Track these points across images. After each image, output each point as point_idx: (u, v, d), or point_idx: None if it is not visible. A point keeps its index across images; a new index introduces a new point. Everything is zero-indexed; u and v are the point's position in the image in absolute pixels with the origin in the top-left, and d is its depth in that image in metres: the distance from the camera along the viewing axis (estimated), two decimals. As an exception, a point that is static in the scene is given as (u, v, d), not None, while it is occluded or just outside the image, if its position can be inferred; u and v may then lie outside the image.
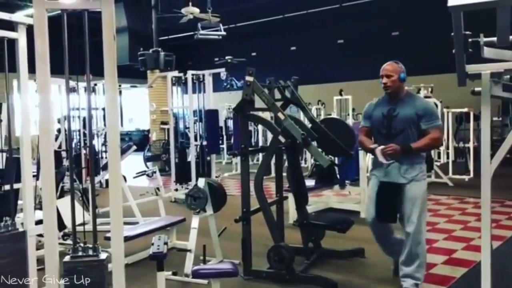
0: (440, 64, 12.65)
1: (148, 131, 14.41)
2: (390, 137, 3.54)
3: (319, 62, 15.83)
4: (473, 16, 2.01)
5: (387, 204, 3.55)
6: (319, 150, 4.14)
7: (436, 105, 9.91)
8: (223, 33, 11.79)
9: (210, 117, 7.84)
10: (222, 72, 9.31)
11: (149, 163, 11.94)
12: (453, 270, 4.21)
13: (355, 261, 4.48)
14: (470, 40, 2.00)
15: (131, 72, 12.99)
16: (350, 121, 10.45)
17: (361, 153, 6.03)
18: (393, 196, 3.53)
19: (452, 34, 1.98)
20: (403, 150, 3.42)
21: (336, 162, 6.56)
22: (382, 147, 3.47)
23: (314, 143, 4.03)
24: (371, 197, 3.71)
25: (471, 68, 2.15)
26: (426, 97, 9.50)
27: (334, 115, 10.45)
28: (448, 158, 10.00)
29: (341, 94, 10.89)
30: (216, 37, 11.93)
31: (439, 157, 10.70)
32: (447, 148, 10.19)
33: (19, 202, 3.55)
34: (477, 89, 2.29)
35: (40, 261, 2.86)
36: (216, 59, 13.92)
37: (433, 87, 10.02)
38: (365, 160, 6.41)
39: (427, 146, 3.61)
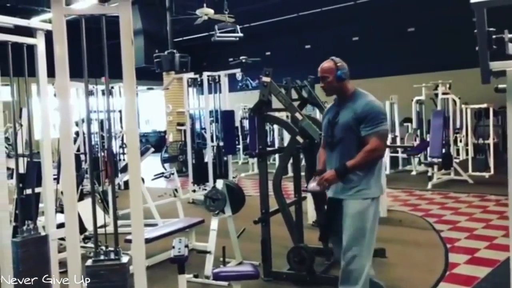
0: (457, 60, 12.52)
1: (165, 132, 14.49)
2: (332, 147, 3.06)
3: (334, 60, 15.70)
4: (496, 12, 1.96)
5: (330, 220, 3.17)
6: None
7: (455, 102, 9.78)
8: (240, 34, 11.52)
9: (226, 118, 7.84)
10: (238, 72, 9.28)
11: (166, 164, 12.03)
12: (476, 270, 4.14)
13: (375, 261, 4.37)
14: (494, 36, 1.95)
15: (147, 74, 13.09)
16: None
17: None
18: (335, 211, 3.07)
19: (475, 31, 1.93)
20: (339, 174, 2.92)
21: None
22: (317, 178, 3.03)
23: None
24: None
25: (495, 65, 2.09)
26: (444, 93, 9.43)
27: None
28: (467, 155, 9.85)
29: (357, 92, 10.78)
30: (233, 39, 11.84)
31: (458, 154, 10.55)
32: (466, 144, 10.04)
33: (40, 205, 3.59)
34: (500, 86, 2.23)
35: (62, 263, 2.89)
36: (231, 59, 13.93)
37: (451, 83, 9.86)
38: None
39: (365, 160, 2.91)
